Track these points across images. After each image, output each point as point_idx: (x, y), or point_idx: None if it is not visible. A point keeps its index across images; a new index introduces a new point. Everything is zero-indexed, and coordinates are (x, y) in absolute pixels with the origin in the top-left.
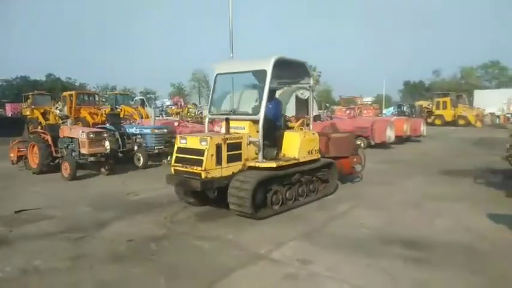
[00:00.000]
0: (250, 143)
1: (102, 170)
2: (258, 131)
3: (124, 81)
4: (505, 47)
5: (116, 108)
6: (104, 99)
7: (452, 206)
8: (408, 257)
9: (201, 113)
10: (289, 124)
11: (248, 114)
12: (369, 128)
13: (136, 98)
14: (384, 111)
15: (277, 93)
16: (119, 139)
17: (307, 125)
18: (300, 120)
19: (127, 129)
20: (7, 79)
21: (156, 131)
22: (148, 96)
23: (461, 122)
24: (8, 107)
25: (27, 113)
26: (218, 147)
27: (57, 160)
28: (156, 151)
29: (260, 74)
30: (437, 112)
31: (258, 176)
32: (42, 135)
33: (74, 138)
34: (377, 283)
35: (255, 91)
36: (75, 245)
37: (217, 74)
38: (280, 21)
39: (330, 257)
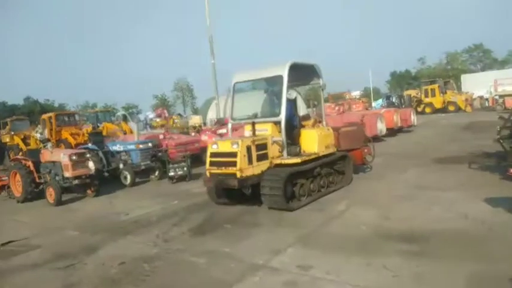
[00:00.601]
0: (274, 142)
1: (88, 191)
2: (279, 131)
3: (104, 98)
4: (487, 29)
5: (98, 127)
6: (84, 118)
7: (448, 194)
8: (408, 251)
9: (187, 123)
10: (303, 123)
11: (270, 116)
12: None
13: (118, 113)
14: (373, 103)
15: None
16: (103, 158)
17: (320, 121)
18: (313, 119)
19: (110, 147)
20: None
21: (141, 146)
22: (130, 110)
23: (451, 108)
24: None
25: (7, 140)
26: (248, 149)
27: (41, 186)
28: (143, 167)
29: (277, 79)
30: (426, 100)
31: (287, 171)
32: (23, 161)
33: (56, 162)
34: (379, 282)
35: (272, 95)
36: (65, 273)
37: (235, 83)
38: (262, 20)
39: (329, 260)
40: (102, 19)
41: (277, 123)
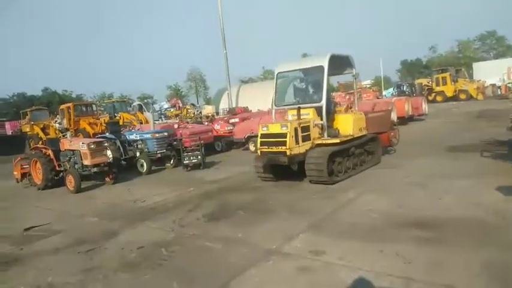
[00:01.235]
0: (315, 125)
1: (107, 179)
2: (319, 115)
3: (120, 88)
4: (500, 16)
5: (115, 116)
6: (101, 108)
7: (461, 183)
8: (420, 238)
9: (200, 112)
10: (337, 108)
11: (312, 102)
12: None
13: (133, 103)
14: (384, 92)
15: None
16: (120, 147)
17: (350, 107)
18: (346, 105)
19: (127, 136)
20: (4, 97)
21: (157, 135)
22: (145, 101)
23: (462, 96)
24: (7, 125)
25: (27, 129)
26: (296, 130)
27: (61, 174)
28: (159, 155)
29: (318, 69)
30: (437, 89)
31: (330, 150)
32: (43, 150)
33: (75, 150)
34: (392, 268)
35: (313, 83)
36: (86, 258)
37: (278, 73)
38: (271, 12)
39: (342, 246)
40: (119, 11)
41: (318, 108)
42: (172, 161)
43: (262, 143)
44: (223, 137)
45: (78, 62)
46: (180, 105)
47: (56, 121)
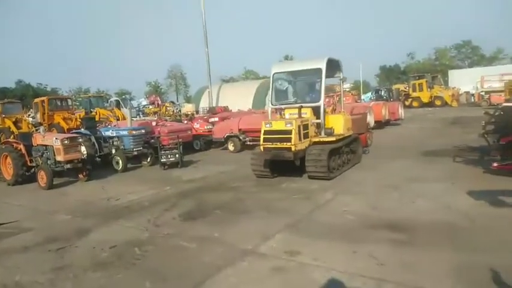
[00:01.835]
0: (312, 124)
1: (80, 176)
2: (315, 115)
3: (97, 83)
4: (476, 25)
5: (91, 112)
6: (77, 103)
7: (433, 186)
8: (393, 240)
9: (179, 110)
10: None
11: (310, 102)
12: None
13: (111, 99)
14: (363, 96)
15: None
16: (95, 143)
17: (334, 109)
18: (331, 106)
19: (103, 133)
20: None
21: (134, 132)
22: (123, 97)
23: (437, 102)
24: None
25: None
26: (299, 128)
27: (33, 169)
28: (135, 153)
29: (316, 71)
30: (414, 94)
31: (329, 147)
32: (15, 145)
33: (48, 145)
34: (365, 269)
35: (310, 84)
36: (56, 256)
37: (274, 73)
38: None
39: (317, 247)
40: (96, 4)
41: (315, 108)
42: (149, 159)
43: (265, 140)
44: (202, 136)
45: (54, 55)
46: (159, 102)
47: (29, 115)
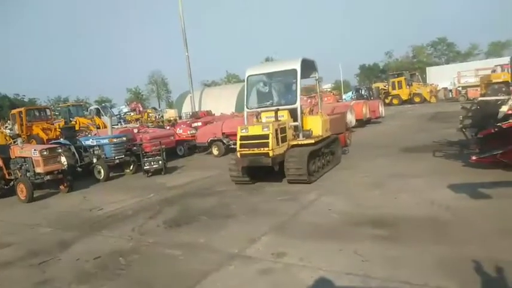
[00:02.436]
0: (290, 127)
1: (61, 187)
2: (292, 117)
3: (77, 91)
4: (450, 22)
5: (70, 121)
6: (56, 113)
7: (414, 182)
8: (378, 236)
9: (162, 116)
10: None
11: (286, 104)
12: (329, 114)
13: (90, 107)
14: (344, 96)
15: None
16: (76, 153)
17: (312, 110)
18: (309, 107)
19: (83, 142)
20: None
21: (115, 140)
22: (103, 104)
23: (416, 99)
24: None
25: None
26: (276, 131)
27: (11, 183)
28: (117, 161)
29: (291, 72)
30: (393, 92)
31: (309, 150)
32: None
33: (26, 157)
34: (351, 266)
35: (285, 86)
36: (38, 270)
37: (248, 76)
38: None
39: (302, 247)
40: (74, 10)
41: (292, 110)
42: (132, 166)
43: (242, 145)
44: (185, 141)
45: (31, 64)
46: (141, 109)
47: (7, 127)
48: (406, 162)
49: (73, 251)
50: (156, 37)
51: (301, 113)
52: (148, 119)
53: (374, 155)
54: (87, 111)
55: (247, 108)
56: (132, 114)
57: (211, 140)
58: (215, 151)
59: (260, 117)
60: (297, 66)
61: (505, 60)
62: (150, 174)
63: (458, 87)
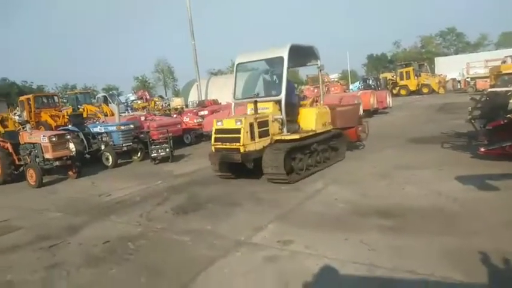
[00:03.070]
0: (274, 120)
1: (70, 173)
2: (279, 110)
3: (84, 79)
4: (460, 12)
5: (78, 108)
6: (64, 100)
7: (422, 173)
8: (384, 226)
9: (168, 105)
10: (302, 102)
11: (271, 96)
12: (338, 105)
13: (98, 95)
14: (351, 86)
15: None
16: (84, 140)
17: (316, 101)
18: (311, 98)
19: (91, 129)
20: None
21: (122, 127)
22: (110, 92)
23: (425, 90)
24: None
25: None
26: (251, 126)
27: (21, 168)
28: (125, 148)
29: (277, 60)
30: (401, 83)
31: (287, 146)
32: (2, 143)
33: (35, 143)
34: (356, 255)
35: (273, 75)
36: (48, 254)
37: (238, 64)
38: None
39: (308, 235)
40: (80, 0)
41: (278, 102)
42: (139, 154)
43: (216, 139)
44: (192, 129)
45: (39, 52)
46: (148, 97)
47: (15, 113)
48: (414, 153)
49: (82, 235)
50: (163, 25)
51: (295, 105)
52: (155, 107)
53: (381, 146)
54: (95, 98)
55: (235, 99)
56: (139, 102)
57: None
58: None
59: (246, 109)
60: (284, 53)
61: None
62: (157, 161)
63: (467, 78)
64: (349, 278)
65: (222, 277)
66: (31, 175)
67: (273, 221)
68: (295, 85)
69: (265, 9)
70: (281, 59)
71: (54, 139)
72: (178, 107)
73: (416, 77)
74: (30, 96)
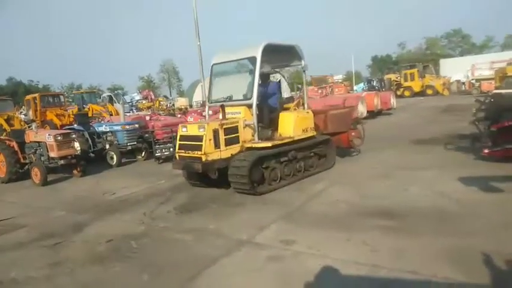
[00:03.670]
0: (246, 126)
1: (75, 172)
2: (252, 114)
3: (90, 79)
4: (466, 14)
5: (83, 108)
6: (70, 100)
7: (425, 174)
8: (386, 227)
9: (173, 105)
10: (286, 105)
11: (241, 100)
12: (340, 105)
13: (103, 95)
14: (355, 87)
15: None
16: (89, 139)
17: (303, 104)
18: (296, 101)
19: (96, 128)
20: None
21: (127, 127)
22: (116, 92)
23: (429, 91)
24: None
25: None
26: (215, 132)
27: (26, 166)
28: (129, 148)
29: (251, 61)
30: (405, 84)
31: (254, 155)
32: (8, 142)
33: (41, 142)
34: (359, 256)
35: (247, 77)
36: (52, 252)
37: (213, 64)
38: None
39: (311, 236)
40: (86, 0)
41: (250, 106)
42: (143, 153)
43: (180, 146)
44: None
45: (45, 51)
46: (152, 97)
47: (21, 112)
48: (417, 154)
49: (86, 233)
50: (169, 25)
51: (275, 110)
52: (160, 107)
53: (384, 146)
54: (100, 98)
55: (209, 102)
56: (144, 102)
57: None
58: None
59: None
60: (257, 53)
61: None
62: (161, 161)
63: (472, 80)
64: (351, 278)
65: (225, 276)
66: (36, 173)
67: (275, 221)
68: (300, 86)
69: (270, 10)
70: (254, 59)
71: (59, 138)
72: (183, 107)
73: (420, 79)
74: (36, 95)
